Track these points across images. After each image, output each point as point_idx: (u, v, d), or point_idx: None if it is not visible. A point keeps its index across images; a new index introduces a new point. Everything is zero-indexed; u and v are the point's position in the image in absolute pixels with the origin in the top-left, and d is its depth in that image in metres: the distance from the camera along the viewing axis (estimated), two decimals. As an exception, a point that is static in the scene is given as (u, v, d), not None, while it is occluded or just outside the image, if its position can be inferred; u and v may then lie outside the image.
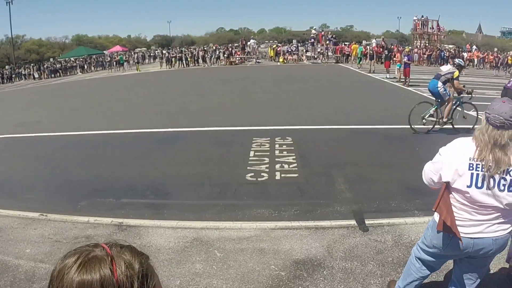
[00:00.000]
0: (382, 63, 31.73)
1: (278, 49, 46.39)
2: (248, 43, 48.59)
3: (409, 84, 22.38)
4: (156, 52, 59.29)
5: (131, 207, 6.91)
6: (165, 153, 10.18)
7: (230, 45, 59.17)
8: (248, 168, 8.59)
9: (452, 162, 2.95)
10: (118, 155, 10.35)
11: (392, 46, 37.98)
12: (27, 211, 7.20)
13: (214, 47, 52.96)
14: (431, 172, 3.17)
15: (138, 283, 1.06)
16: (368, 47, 38.72)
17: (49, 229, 6.36)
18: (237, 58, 44.76)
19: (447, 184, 3.02)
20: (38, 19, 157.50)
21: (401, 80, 23.80)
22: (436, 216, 3.17)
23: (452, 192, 3.04)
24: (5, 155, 11.70)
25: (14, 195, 8.28)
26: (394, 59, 28.64)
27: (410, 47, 33.38)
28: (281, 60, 43.13)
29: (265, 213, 6.45)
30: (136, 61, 43.49)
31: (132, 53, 56.07)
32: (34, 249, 5.68)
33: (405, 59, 23.80)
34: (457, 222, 2.98)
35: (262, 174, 8.25)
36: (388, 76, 26.50)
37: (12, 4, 66.13)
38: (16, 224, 6.77)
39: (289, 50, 45.91)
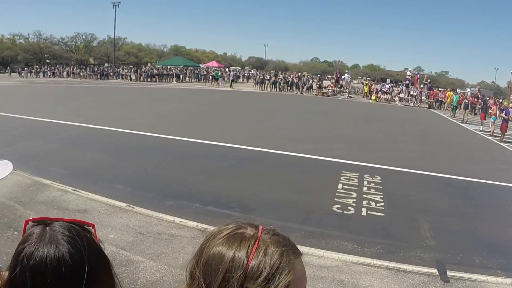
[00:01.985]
0: (476, 114, 30.03)
1: (371, 87, 45.64)
2: (343, 76, 48.38)
3: (504, 140, 20.92)
4: (250, 72, 60.70)
5: (216, 216, 6.89)
6: (251, 171, 10.17)
7: (323, 76, 59.23)
8: (335, 199, 8.35)
9: None
10: (205, 164, 10.51)
11: (488, 98, 35.87)
12: (115, 199, 7.51)
13: (307, 76, 53.16)
14: None
15: (268, 275, 0.97)
16: (465, 95, 36.98)
17: (134, 220, 6.54)
18: (330, 90, 44.44)
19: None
20: (140, 25, 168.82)
21: (495, 134, 22.34)
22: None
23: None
24: (101, 145, 12.51)
25: (104, 183, 8.71)
26: (490, 111, 26.99)
27: (509, 101, 31.35)
28: (373, 98, 42.30)
29: (348, 246, 6.25)
30: (232, 78, 44.60)
31: (227, 70, 57.78)
32: (117, 236, 5.83)
33: (503, 114, 22.31)
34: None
35: (349, 207, 7.97)
36: (481, 129, 24.96)
37: (118, 7, 70.79)
38: (103, 209, 7.06)
39: (382, 89, 45.04)
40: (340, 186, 9.29)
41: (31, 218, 1.19)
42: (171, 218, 6.59)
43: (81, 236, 1.13)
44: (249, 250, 0.99)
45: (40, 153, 11.69)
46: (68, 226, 1.15)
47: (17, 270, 1.08)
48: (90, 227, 1.23)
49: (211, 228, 6.04)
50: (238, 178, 9.37)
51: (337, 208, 7.92)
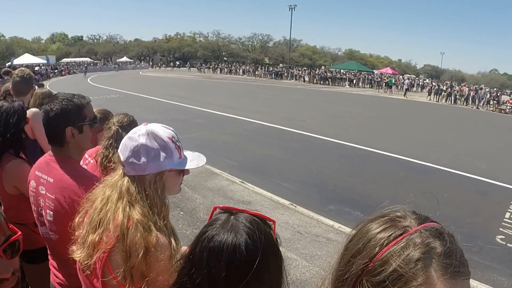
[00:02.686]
0: None
1: None
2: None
3: None
4: (425, 81, 57.57)
5: (375, 228, 6.71)
6: (420, 185, 9.52)
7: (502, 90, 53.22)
8: (500, 229, 7.52)
9: None
10: (373, 173, 10.21)
11: None
12: (279, 196, 7.83)
13: (485, 90, 48.15)
14: None
15: (390, 275, 0.84)
16: None
17: (294, 219, 6.73)
18: (508, 106, 38.08)
19: None
20: (315, 27, 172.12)
21: None
22: None
23: None
24: (271, 142, 13.17)
25: (271, 179, 9.15)
26: None
27: None
28: None
29: (504, 283, 5.61)
30: (406, 87, 42.81)
31: (401, 77, 55.62)
32: (276, 231, 6.04)
33: None
34: None
35: (514, 241, 7.12)
36: None
37: (294, 10, 72.86)
38: (266, 204, 7.42)
39: None
40: (507, 215, 8.36)
41: (220, 206, 1.35)
42: (330, 222, 6.62)
43: (261, 230, 1.23)
44: (391, 236, 0.89)
45: (214, 143, 12.80)
46: (251, 218, 1.27)
47: (197, 248, 1.22)
48: (271, 223, 1.33)
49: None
50: (405, 191, 8.76)
51: (501, 239, 7.13)
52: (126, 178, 1.64)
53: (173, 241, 1.61)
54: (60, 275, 2.44)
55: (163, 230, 1.60)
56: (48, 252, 2.57)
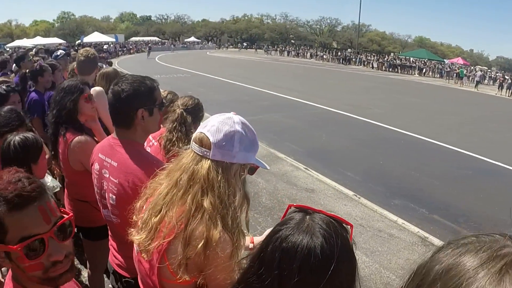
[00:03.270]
0: None
1: None
2: None
3: None
4: (497, 74, 54.26)
5: (440, 226, 6.47)
6: (489, 186, 8.89)
7: None
8: None
9: None
10: (443, 169, 9.64)
11: None
12: (343, 186, 7.73)
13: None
14: None
15: None
16: None
17: (357, 211, 6.63)
18: None
19: None
20: (385, 12, 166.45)
21: None
22: None
23: None
24: (336, 129, 13.04)
25: (336, 167, 9.06)
26: None
27: None
28: None
29: None
30: (477, 79, 40.56)
31: (472, 69, 52.72)
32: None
33: None
34: None
35: None
36: None
37: None
38: (330, 193, 7.36)
39: None
40: None
41: (294, 204, 1.30)
42: (394, 217, 6.44)
43: (337, 233, 1.18)
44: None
45: (278, 126, 12.83)
46: (328, 220, 1.21)
47: (269, 247, 1.19)
48: (348, 227, 1.26)
49: (432, 238, 5.77)
50: (475, 193, 8.33)
51: None
52: (208, 162, 1.57)
53: (237, 238, 1.55)
54: (119, 257, 2.48)
55: (230, 227, 1.54)
56: (109, 233, 2.61)
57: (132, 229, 1.73)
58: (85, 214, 2.99)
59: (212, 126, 1.58)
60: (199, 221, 1.48)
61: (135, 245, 1.75)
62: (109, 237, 2.60)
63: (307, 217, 1.22)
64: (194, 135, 1.64)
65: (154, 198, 1.66)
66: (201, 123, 1.69)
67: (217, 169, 1.56)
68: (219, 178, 1.55)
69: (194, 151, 1.61)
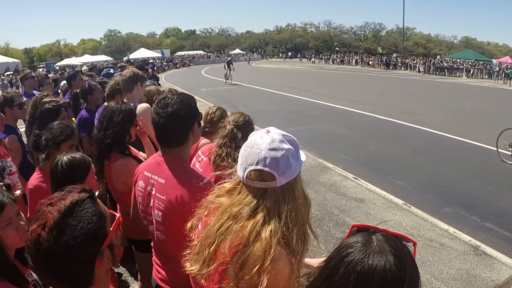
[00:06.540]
0: None
1: None
2: None
3: None
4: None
5: (493, 234, 6.37)
6: None
7: None
8: None
9: None
10: (500, 176, 9.28)
11: None
12: (393, 195, 7.78)
13: None
14: None
15: None
16: None
17: (407, 220, 6.66)
18: None
19: None
20: (430, 14, 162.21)
21: None
22: None
23: None
24: (386, 137, 12.93)
25: (385, 176, 9.05)
26: None
27: None
28: None
29: None
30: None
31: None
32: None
33: None
34: None
35: None
36: None
37: None
38: (379, 202, 7.41)
39: None
40: None
41: (357, 224, 1.31)
42: (445, 226, 6.41)
43: (406, 252, 1.20)
44: None
45: (327, 136, 12.96)
46: (395, 239, 1.22)
47: (340, 271, 1.18)
48: (411, 244, 1.27)
49: (484, 246, 5.70)
50: None
51: None
52: (275, 191, 1.56)
53: (298, 256, 1.55)
54: (163, 272, 2.55)
55: (291, 245, 1.53)
56: (152, 249, 2.69)
57: (185, 257, 1.73)
58: (136, 226, 3.05)
59: (265, 158, 1.55)
60: (256, 244, 1.49)
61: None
62: (153, 253, 2.69)
63: (373, 236, 1.23)
64: (247, 173, 1.59)
65: (207, 228, 1.64)
66: (242, 153, 1.64)
67: (284, 192, 1.58)
68: (287, 200, 1.57)
69: (255, 186, 1.59)
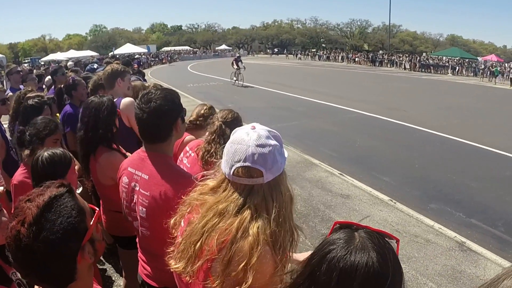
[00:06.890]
0: None
1: None
2: None
3: None
4: (533, 71, 52.03)
5: (478, 231, 6.41)
6: None
7: None
8: None
9: None
10: (481, 171, 9.42)
11: None
12: (378, 191, 7.79)
13: None
14: None
15: None
16: None
17: (393, 216, 6.67)
18: None
19: None
20: (416, 11, 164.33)
21: None
22: None
23: None
24: (371, 133, 12.96)
25: (371, 172, 9.08)
26: None
27: None
28: None
29: None
30: (512, 76, 38.81)
31: (506, 65, 50.81)
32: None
33: None
34: None
35: None
36: None
37: None
38: (365, 198, 7.42)
39: None
40: None
41: (340, 221, 1.31)
42: (431, 222, 6.43)
43: (389, 248, 1.20)
44: None
45: (314, 132, 12.96)
46: (378, 236, 1.22)
47: (322, 267, 1.17)
48: (394, 241, 1.26)
49: (469, 243, 5.73)
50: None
51: None
52: (262, 187, 1.55)
53: (281, 254, 1.52)
54: (148, 268, 2.54)
55: (279, 241, 1.51)
56: (138, 245, 2.67)
57: (170, 254, 1.70)
58: (120, 223, 3.09)
59: (253, 155, 1.52)
60: (242, 241, 1.46)
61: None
62: (138, 249, 2.67)
63: (355, 233, 1.22)
64: (233, 170, 1.56)
65: (192, 225, 1.61)
66: (228, 150, 1.60)
67: (271, 188, 1.56)
68: (274, 197, 1.56)
69: (242, 183, 1.57)
